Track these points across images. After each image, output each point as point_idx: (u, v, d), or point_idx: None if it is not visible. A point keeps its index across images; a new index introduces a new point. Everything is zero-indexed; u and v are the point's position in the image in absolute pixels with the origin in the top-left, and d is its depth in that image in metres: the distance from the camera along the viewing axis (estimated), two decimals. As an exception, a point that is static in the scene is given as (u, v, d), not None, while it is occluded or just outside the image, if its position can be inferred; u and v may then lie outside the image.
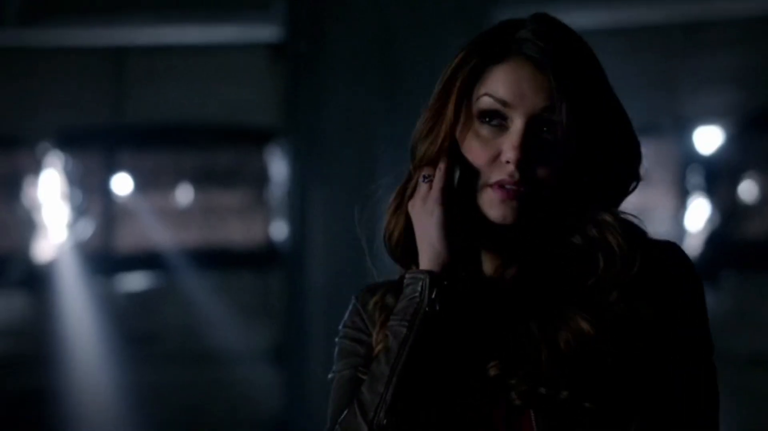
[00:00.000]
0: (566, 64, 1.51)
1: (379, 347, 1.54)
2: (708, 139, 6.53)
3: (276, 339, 6.88)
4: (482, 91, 1.53)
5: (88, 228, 6.80)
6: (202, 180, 6.99)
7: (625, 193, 1.57)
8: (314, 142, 6.57)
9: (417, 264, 1.55)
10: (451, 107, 1.55)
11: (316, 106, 6.55)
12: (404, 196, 1.60)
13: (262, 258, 6.91)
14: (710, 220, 6.56)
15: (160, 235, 6.84)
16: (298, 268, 6.72)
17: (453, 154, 1.54)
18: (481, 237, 1.54)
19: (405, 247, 1.59)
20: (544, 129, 1.51)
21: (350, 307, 1.65)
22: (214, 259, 6.93)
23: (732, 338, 6.71)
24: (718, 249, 6.59)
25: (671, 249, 1.56)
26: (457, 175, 1.53)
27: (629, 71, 6.30)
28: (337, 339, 1.64)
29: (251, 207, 6.99)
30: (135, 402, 6.74)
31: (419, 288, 1.51)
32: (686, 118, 6.55)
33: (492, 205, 1.51)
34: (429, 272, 1.51)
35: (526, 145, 1.49)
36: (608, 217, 1.52)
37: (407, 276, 1.54)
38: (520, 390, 1.49)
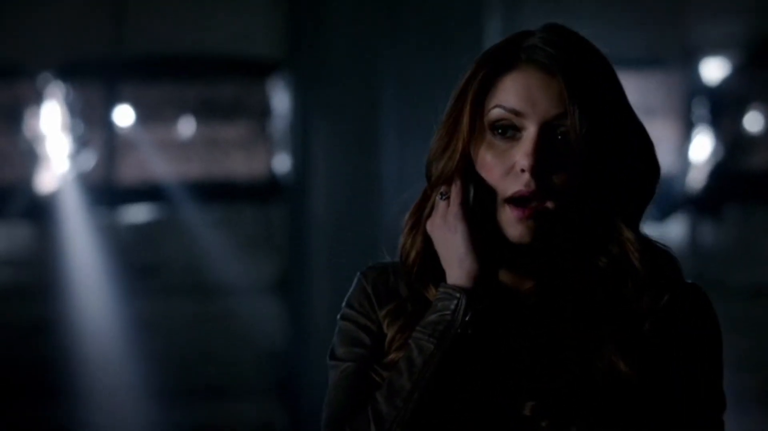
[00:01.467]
0: (577, 69, 1.48)
1: (398, 355, 1.50)
2: (714, 70, 6.48)
3: (278, 271, 6.88)
4: (493, 102, 1.50)
5: (90, 159, 6.78)
6: (204, 112, 6.96)
7: (645, 204, 1.53)
8: (317, 74, 6.52)
9: (435, 283, 1.52)
10: (465, 122, 1.52)
11: (319, 37, 6.50)
12: (420, 215, 1.57)
13: (265, 190, 6.89)
14: (715, 152, 6.53)
15: (162, 168, 6.81)
16: (300, 201, 6.71)
17: (468, 171, 1.51)
18: (501, 256, 1.51)
19: (422, 266, 1.55)
20: (558, 137, 1.48)
21: (356, 285, 1.60)
22: (216, 192, 6.91)
23: (734, 270, 6.71)
24: (721, 182, 6.57)
25: (696, 295, 1.53)
26: (471, 192, 1.50)
27: (635, 2, 6.23)
28: (339, 319, 1.59)
29: (253, 139, 6.96)
30: (137, 333, 6.76)
31: (452, 307, 1.47)
32: (692, 49, 6.50)
33: (509, 224, 1.48)
34: (464, 290, 1.48)
35: (539, 152, 1.46)
36: (629, 234, 1.50)
37: (440, 289, 1.49)
38: None
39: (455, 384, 1.47)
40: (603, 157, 1.48)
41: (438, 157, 1.55)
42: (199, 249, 6.84)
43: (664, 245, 1.54)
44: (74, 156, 6.68)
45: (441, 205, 1.52)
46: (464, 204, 1.50)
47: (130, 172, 6.91)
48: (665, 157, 7.25)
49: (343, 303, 1.60)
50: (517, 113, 1.48)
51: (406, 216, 1.59)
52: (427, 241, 1.55)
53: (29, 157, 6.69)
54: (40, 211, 6.75)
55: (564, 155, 1.47)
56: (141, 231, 6.99)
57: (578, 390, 1.46)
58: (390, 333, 1.53)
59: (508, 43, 1.53)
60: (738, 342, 6.47)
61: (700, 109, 6.51)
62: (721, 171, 6.55)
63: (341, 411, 1.52)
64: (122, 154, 6.87)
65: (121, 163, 6.90)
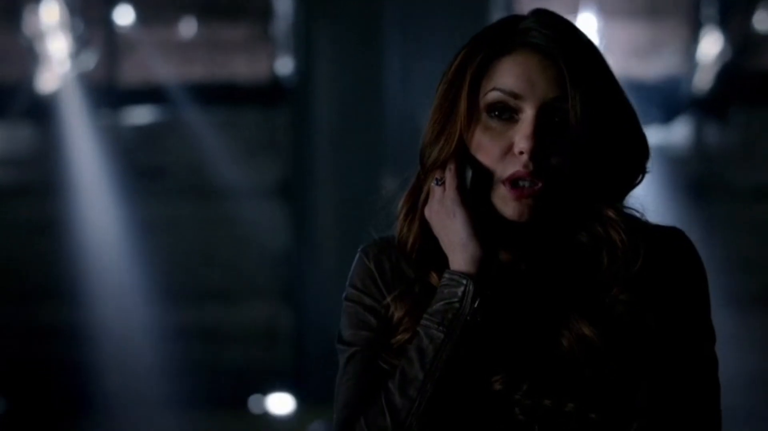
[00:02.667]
0: (575, 52, 1.49)
1: (405, 336, 1.50)
2: (723, -31, 6.39)
3: (282, 174, 6.87)
4: (490, 85, 1.50)
5: (90, 59, 6.72)
6: (205, 13, 6.89)
7: (631, 186, 1.54)
8: (319, -26, 6.46)
9: (436, 268, 1.51)
10: (462, 106, 1.51)
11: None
12: (414, 201, 1.55)
13: (268, 93, 6.86)
14: (723, 53, 6.47)
15: (163, 69, 6.77)
16: (303, 103, 6.68)
17: (462, 155, 1.51)
18: (495, 235, 1.50)
19: (421, 252, 1.54)
20: (555, 119, 1.48)
21: (359, 262, 1.58)
22: (218, 94, 6.87)
23: (738, 172, 6.71)
24: (728, 83, 6.53)
25: (676, 238, 1.54)
26: (469, 174, 1.50)
27: None
28: (344, 300, 1.58)
29: (256, 41, 6.90)
30: (140, 235, 6.77)
31: (460, 294, 1.47)
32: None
33: (506, 203, 1.48)
34: (471, 276, 1.47)
35: (538, 135, 1.47)
36: (612, 213, 1.51)
37: (445, 275, 1.49)
38: (524, 404, 1.48)
39: (466, 371, 1.48)
40: (597, 139, 1.50)
41: (433, 142, 1.53)
42: (201, 152, 6.83)
43: (636, 210, 1.55)
44: (75, 55, 6.63)
45: (437, 190, 1.52)
46: (461, 188, 1.50)
47: (131, 72, 6.87)
48: (672, 58, 7.22)
49: (347, 283, 1.58)
50: (515, 96, 1.49)
51: (400, 202, 1.57)
52: (425, 227, 1.54)
53: (29, 55, 6.64)
54: (41, 111, 6.72)
55: (561, 138, 1.48)
56: (143, 132, 6.97)
57: (547, 359, 1.48)
58: (398, 314, 1.53)
59: (500, 27, 1.53)
60: (741, 244, 6.48)
61: (709, 9, 6.43)
62: (728, 71, 6.50)
63: (353, 400, 1.51)
64: (123, 54, 6.82)
65: (122, 64, 6.85)
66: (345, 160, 6.56)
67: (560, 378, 1.48)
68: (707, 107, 6.60)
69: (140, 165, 6.91)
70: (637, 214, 1.54)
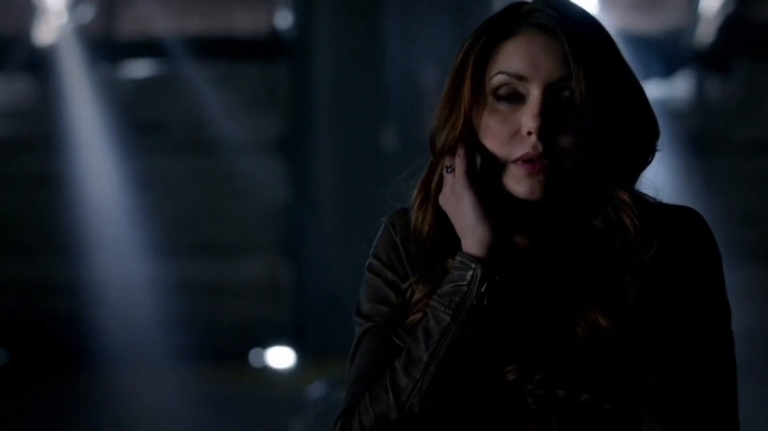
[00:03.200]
0: (579, 31, 1.48)
1: (417, 317, 1.51)
2: None
3: (281, 129, 6.85)
4: (495, 69, 1.50)
5: (88, 11, 6.68)
6: (204, -35, 6.85)
7: (643, 166, 1.53)
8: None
9: (453, 258, 1.50)
10: (466, 90, 1.51)
11: None
12: (428, 189, 1.55)
13: (267, 47, 6.82)
14: (725, 5, 6.43)
15: (162, 22, 6.73)
16: (303, 58, 6.65)
17: (471, 140, 1.51)
18: (507, 218, 1.50)
19: (436, 241, 1.54)
20: (562, 99, 1.48)
21: (385, 234, 1.58)
22: (217, 48, 6.84)
23: (740, 125, 6.69)
24: (730, 36, 6.49)
25: (689, 218, 1.53)
26: (478, 159, 1.50)
27: None
28: (367, 270, 1.58)
29: (255, -7, 6.87)
30: (140, 189, 6.77)
31: (468, 277, 1.47)
32: None
33: (518, 181, 1.48)
34: (480, 260, 1.47)
35: (545, 114, 1.46)
36: (625, 197, 1.50)
37: (457, 257, 1.49)
38: (537, 394, 1.47)
39: (471, 354, 1.48)
40: (605, 119, 1.49)
41: (441, 128, 1.54)
42: (201, 106, 6.81)
43: (645, 194, 1.54)
44: (72, 7, 6.59)
45: (448, 178, 1.52)
46: (469, 172, 1.50)
47: (129, 25, 6.83)
48: (674, 12, 7.17)
49: (371, 251, 1.58)
50: (520, 78, 1.49)
51: (414, 192, 1.57)
52: (439, 215, 1.54)
53: (27, 7, 6.60)
54: (39, 63, 6.69)
55: (568, 117, 1.48)
56: (141, 86, 6.94)
57: (561, 349, 1.47)
58: (417, 296, 1.53)
59: (505, 11, 1.53)
60: (741, 197, 6.48)
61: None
62: (731, 24, 6.46)
63: (365, 376, 1.52)
64: (121, 6, 6.78)
65: (120, 16, 6.81)
66: (345, 115, 6.54)
67: (574, 369, 1.47)
68: (709, 60, 6.57)
69: (139, 119, 6.89)
70: (651, 196, 1.53)
